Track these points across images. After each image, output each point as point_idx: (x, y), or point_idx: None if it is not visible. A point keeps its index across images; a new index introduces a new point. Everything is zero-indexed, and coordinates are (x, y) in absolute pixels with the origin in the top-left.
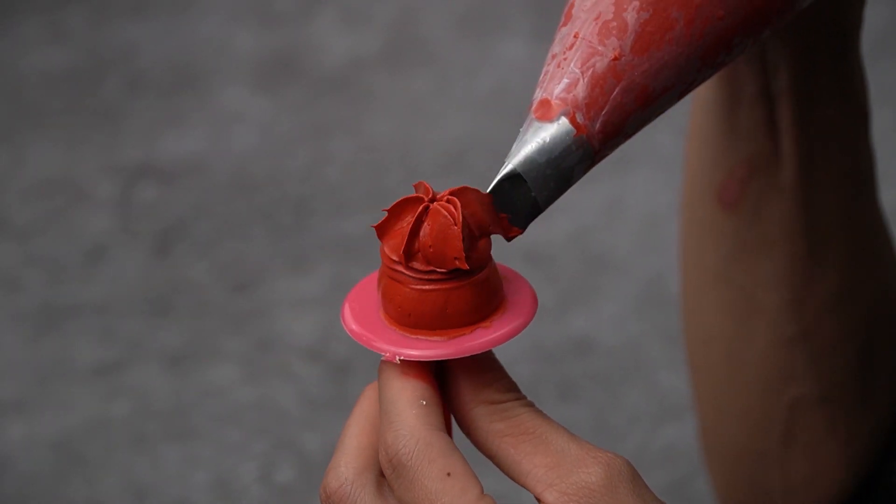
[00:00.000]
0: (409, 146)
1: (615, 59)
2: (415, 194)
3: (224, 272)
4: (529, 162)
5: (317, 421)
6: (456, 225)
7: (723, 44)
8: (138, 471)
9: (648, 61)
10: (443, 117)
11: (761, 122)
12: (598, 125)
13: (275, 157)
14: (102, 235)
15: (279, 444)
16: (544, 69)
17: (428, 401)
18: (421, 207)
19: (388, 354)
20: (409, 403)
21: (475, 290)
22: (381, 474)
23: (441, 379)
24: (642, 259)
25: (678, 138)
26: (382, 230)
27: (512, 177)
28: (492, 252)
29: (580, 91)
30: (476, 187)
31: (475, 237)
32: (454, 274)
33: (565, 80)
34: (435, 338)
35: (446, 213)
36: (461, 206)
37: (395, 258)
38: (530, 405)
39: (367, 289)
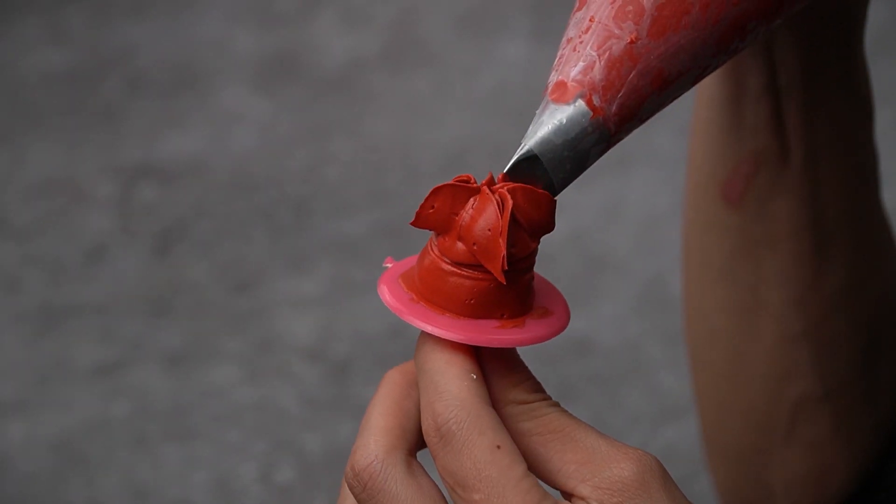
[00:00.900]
0: (409, 146)
1: (632, 42)
2: (475, 185)
3: (224, 272)
4: (546, 143)
5: (317, 421)
6: (502, 236)
7: (738, 29)
8: (138, 471)
9: (664, 45)
10: (443, 117)
11: (767, 116)
12: (614, 107)
13: (275, 157)
14: (102, 235)
15: (279, 444)
16: (559, 53)
17: (478, 376)
18: (487, 201)
19: (438, 330)
20: (458, 375)
21: (513, 288)
22: (410, 454)
23: None
24: (642, 259)
25: (678, 138)
26: (434, 215)
27: (528, 158)
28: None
29: (597, 73)
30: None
31: (527, 241)
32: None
33: (581, 63)
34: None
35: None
36: (523, 211)
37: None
38: (557, 405)
39: (400, 269)
